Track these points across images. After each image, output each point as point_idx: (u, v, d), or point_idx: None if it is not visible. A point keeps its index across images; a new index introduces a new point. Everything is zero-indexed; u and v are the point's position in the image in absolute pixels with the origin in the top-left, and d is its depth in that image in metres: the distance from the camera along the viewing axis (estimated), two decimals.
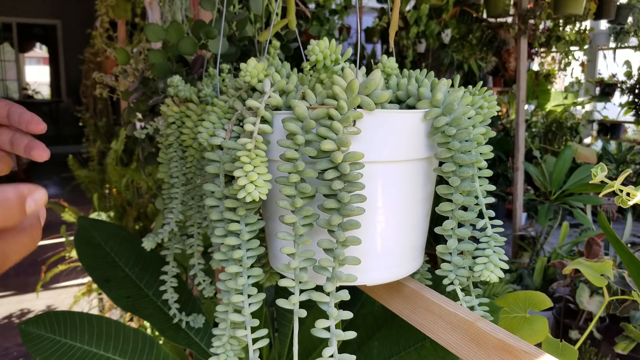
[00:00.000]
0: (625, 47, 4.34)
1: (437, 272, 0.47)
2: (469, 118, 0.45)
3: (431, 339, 0.48)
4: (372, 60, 0.66)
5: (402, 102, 0.48)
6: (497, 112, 0.50)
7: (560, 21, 3.14)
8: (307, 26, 3.49)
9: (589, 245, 1.49)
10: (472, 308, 0.47)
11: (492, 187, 0.46)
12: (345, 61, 0.52)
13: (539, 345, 0.65)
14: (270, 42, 0.76)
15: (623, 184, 0.42)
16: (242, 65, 0.48)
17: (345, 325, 0.77)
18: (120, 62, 0.87)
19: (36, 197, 0.24)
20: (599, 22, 4.47)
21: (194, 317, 0.83)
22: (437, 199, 0.47)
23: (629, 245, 2.11)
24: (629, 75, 4.11)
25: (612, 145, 4.50)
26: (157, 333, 1.31)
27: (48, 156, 0.42)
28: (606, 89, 4.38)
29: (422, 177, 0.47)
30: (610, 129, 4.53)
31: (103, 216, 2.22)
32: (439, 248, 0.47)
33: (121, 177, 2.32)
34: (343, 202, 0.40)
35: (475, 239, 0.47)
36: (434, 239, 1.84)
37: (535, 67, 4.50)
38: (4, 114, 0.43)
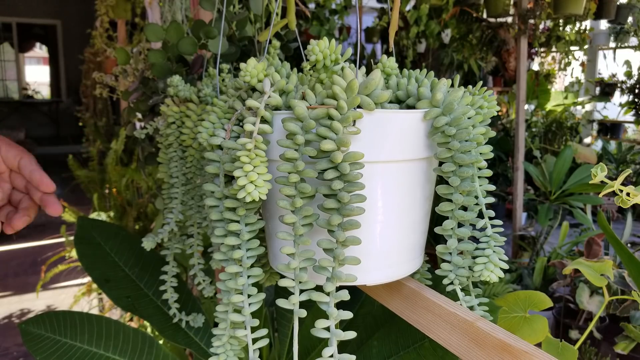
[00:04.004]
0: (625, 47, 4.34)
1: (437, 272, 0.48)
2: (469, 118, 0.45)
3: (430, 339, 0.48)
4: (372, 60, 0.66)
5: (402, 102, 0.48)
6: (497, 112, 0.50)
7: (560, 21, 3.14)
8: (307, 26, 3.50)
9: (589, 245, 1.49)
10: (471, 308, 0.47)
11: (492, 187, 0.46)
12: (345, 61, 0.52)
13: (539, 345, 0.65)
14: (270, 42, 0.76)
15: (623, 184, 0.42)
16: (242, 65, 0.48)
17: (344, 325, 0.77)
18: (120, 62, 0.87)
19: None
20: (599, 22, 4.48)
21: (194, 316, 0.83)
22: (437, 199, 0.47)
23: (628, 245, 2.11)
24: (629, 75, 4.11)
25: (612, 145, 4.50)
26: (157, 333, 1.31)
27: (61, 211, 0.44)
28: (606, 89, 4.38)
29: (422, 177, 0.47)
30: (610, 128, 4.53)
31: (103, 216, 2.22)
32: (439, 248, 0.47)
33: (121, 177, 2.32)
34: (343, 202, 0.40)
35: (475, 239, 0.47)
36: (434, 239, 1.84)
37: (535, 67, 4.50)
38: (15, 164, 0.44)
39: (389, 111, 0.43)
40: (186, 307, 0.86)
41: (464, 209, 0.46)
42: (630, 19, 3.56)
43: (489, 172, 0.46)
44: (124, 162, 2.79)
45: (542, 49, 4.05)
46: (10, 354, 2.13)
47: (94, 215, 2.25)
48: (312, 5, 3.63)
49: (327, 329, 0.40)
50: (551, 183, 2.75)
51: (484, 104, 0.49)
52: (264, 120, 0.44)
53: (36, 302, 2.60)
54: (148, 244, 0.68)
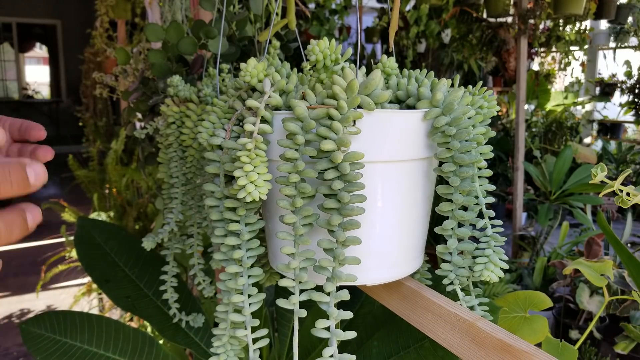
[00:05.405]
0: (625, 47, 4.34)
1: (437, 272, 0.48)
2: (469, 118, 0.45)
3: (430, 339, 0.48)
4: (372, 60, 0.66)
5: (402, 102, 0.48)
6: (497, 112, 0.50)
7: (560, 21, 3.14)
8: (307, 26, 3.50)
9: (589, 245, 1.49)
10: (471, 308, 0.47)
11: (492, 187, 0.46)
12: (345, 61, 0.52)
13: (539, 345, 0.65)
14: (270, 42, 0.76)
15: (623, 184, 0.42)
16: (242, 65, 0.48)
17: (344, 325, 0.77)
18: (120, 62, 0.87)
19: (36, 170, 0.27)
20: (599, 22, 4.48)
21: (194, 316, 0.83)
22: (437, 199, 0.47)
23: (628, 245, 2.11)
24: (629, 75, 4.11)
25: (612, 145, 4.50)
26: (157, 333, 1.31)
27: (52, 155, 0.43)
28: (606, 89, 4.39)
29: (422, 177, 0.47)
30: (610, 128, 4.54)
31: (103, 216, 2.22)
32: (439, 248, 0.47)
33: (121, 177, 2.32)
34: (343, 202, 0.40)
35: (475, 239, 0.47)
36: (434, 239, 1.84)
37: (535, 67, 4.50)
38: (6, 127, 0.44)
39: (389, 111, 0.43)
40: (186, 307, 0.86)
41: (464, 209, 0.46)
42: (630, 19, 3.56)
43: (489, 172, 0.46)
44: (124, 162, 2.79)
45: (542, 49, 4.05)
46: (10, 354, 2.13)
47: (94, 215, 2.25)
48: (312, 5, 3.63)
49: (327, 329, 0.40)
50: (551, 183, 2.75)
51: (484, 104, 0.49)
52: (264, 120, 0.44)
53: (36, 302, 2.60)
54: (148, 244, 0.68)
